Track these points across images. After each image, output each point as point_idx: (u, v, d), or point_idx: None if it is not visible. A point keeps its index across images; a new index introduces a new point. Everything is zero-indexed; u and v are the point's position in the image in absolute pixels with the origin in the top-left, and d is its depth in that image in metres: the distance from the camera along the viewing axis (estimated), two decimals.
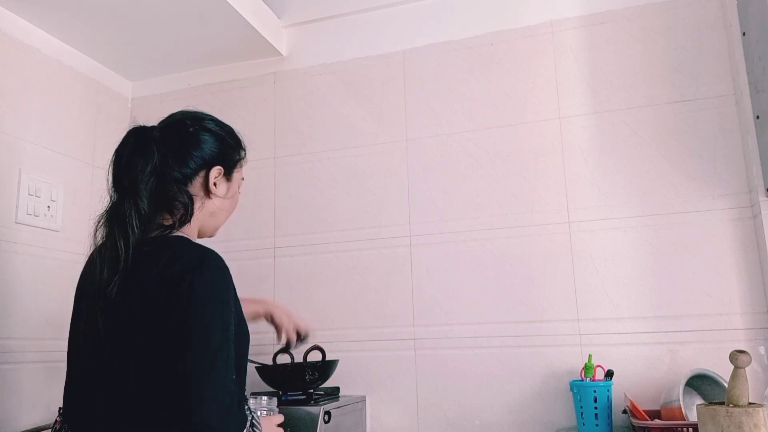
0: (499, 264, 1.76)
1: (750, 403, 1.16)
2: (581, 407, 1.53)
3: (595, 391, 1.51)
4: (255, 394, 1.23)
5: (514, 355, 1.71)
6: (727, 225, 1.60)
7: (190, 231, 1.10)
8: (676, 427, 1.36)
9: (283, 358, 1.68)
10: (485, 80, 1.88)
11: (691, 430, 1.33)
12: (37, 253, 1.76)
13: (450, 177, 1.86)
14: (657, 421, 1.42)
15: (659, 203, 1.66)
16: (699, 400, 1.50)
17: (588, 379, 1.55)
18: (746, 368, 1.17)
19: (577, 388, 1.55)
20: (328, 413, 1.51)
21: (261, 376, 1.67)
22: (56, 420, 1.06)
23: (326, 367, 1.66)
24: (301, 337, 1.51)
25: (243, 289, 1.95)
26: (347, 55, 2.04)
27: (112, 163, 1.07)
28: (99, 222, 1.05)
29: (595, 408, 1.51)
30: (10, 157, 1.71)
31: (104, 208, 1.05)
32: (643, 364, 1.61)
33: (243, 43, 2.02)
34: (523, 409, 1.68)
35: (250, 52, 2.08)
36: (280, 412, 1.22)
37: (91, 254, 1.09)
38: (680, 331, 1.59)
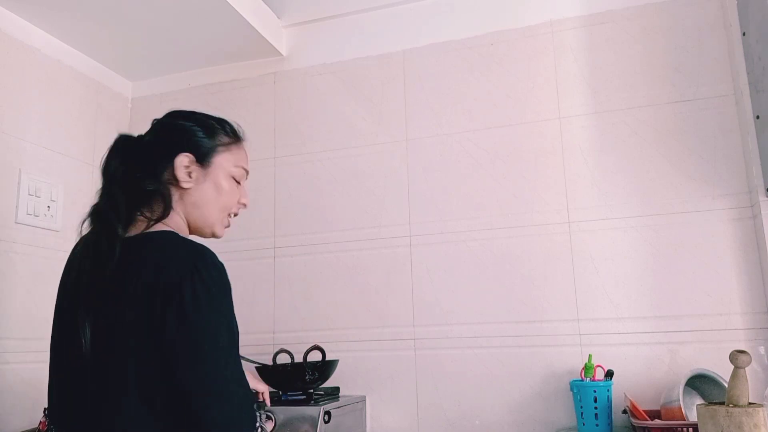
0: (499, 264, 1.76)
1: (750, 403, 1.16)
2: (581, 407, 1.53)
3: (595, 391, 1.51)
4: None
5: (514, 355, 1.71)
6: (727, 225, 1.60)
7: (176, 224, 1.08)
8: (676, 427, 1.36)
9: (283, 358, 1.69)
10: (485, 80, 1.88)
11: (691, 430, 1.33)
12: (37, 253, 1.76)
13: (450, 177, 1.86)
14: (657, 421, 1.42)
15: (659, 203, 1.66)
16: (699, 400, 1.50)
17: (588, 379, 1.55)
18: (746, 368, 1.17)
19: (577, 388, 1.55)
20: (328, 413, 1.51)
21: (261, 376, 1.67)
22: (41, 421, 1.05)
23: (326, 367, 1.67)
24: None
25: (243, 289, 1.97)
26: (347, 55, 2.04)
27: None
28: (83, 222, 1.07)
29: (595, 408, 1.51)
30: (10, 157, 1.72)
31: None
32: (643, 364, 1.61)
33: (243, 43, 2.02)
34: (523, 409, 1.68)
35: (250, 52, 2.08)
36: (274, 417, 1.21)
37: (73, 250, 1.09)
38: (680, 331, 1.59)
